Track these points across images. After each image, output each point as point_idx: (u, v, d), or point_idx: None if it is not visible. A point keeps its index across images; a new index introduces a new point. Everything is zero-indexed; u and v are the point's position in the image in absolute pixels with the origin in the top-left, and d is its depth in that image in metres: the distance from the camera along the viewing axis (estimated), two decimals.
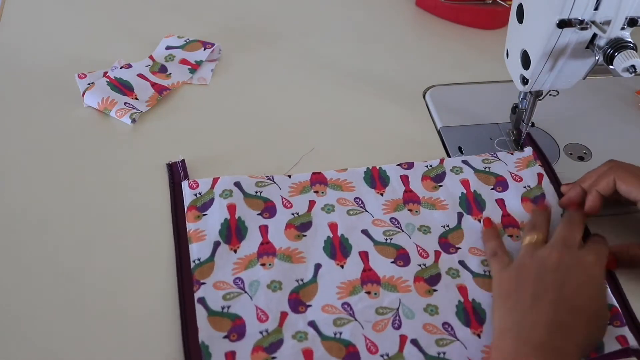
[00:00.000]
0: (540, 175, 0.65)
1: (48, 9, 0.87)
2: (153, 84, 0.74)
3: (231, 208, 0.59)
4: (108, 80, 0.73)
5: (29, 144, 0.66)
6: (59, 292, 0.53)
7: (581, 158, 0.69)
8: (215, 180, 0.61)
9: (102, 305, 0.52)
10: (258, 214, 0.59)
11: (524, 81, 0.62)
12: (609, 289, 0.55)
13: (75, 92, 0.72)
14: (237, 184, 0.61)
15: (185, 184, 0.61)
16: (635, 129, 0.64)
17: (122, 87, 0.73)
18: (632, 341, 0.51)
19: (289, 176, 0.64)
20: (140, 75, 0.75)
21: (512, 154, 0.68)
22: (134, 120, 0.69)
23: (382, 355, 0.50)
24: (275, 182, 0.63)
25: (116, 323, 0.51)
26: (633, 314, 0.54)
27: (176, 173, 0.63)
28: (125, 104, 0.70)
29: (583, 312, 0.49)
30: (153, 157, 0.65)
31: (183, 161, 0.64)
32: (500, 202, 0.63)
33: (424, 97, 0.77)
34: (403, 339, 0.51)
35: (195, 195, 0.60)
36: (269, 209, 0.60)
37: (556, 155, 0.69)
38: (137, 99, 0.72)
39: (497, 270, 0.55)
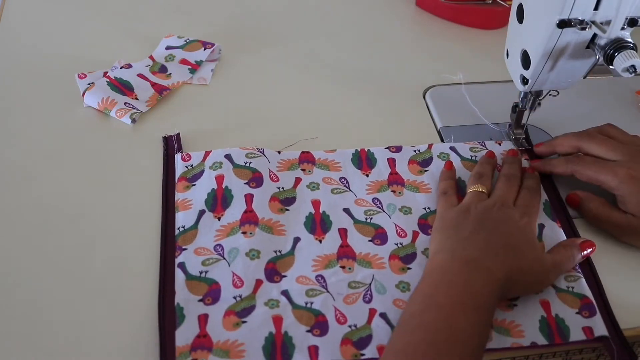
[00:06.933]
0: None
1: (48, 9, 0.87)
2: (153, 84, 0.74)
3: (219, 179, 0.61)
4: (108, 80, 0.73)
5: (29, 144, 0.66)
6: (58, 289, 0.53)
7: None
8: (207, 154, 0.64)
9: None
10: (245, 183, 0.61)
11: (524, 81, 0.62)
12: (583, 279, 0.55)
13: (75, 92, 0.72)
14: (228, 156, 0.63)
15: (178, 156, 0.64)
16: (635, 129, 0.64)
17: (122, 87, 0.73)
18: (599, 332, 0.51)
19: (279, 152, 0.65)
20: (141, 75, 0.75)
21: (500, 144, 0.68)
22: (134, 120, 0.69)
23: (350, 326, 0.51)
24: (265, 155, 0.64)
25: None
26: (607, 302, 0.53)
27: (171, 146, 0.65)
28: (125, 104, 0.70)
29: (517, 248, 0.53)
30: (153, 157, 0.65)
31: (178, 134, 0.66)
32: None
33: (424, 97, 0.76)
34: (372, 312, 0.52)
35: (186, 167, 0.63)
36: (256, 179, 0.62)
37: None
38: (137, 99, 0.72)
39: (443, 209, 0.58)
